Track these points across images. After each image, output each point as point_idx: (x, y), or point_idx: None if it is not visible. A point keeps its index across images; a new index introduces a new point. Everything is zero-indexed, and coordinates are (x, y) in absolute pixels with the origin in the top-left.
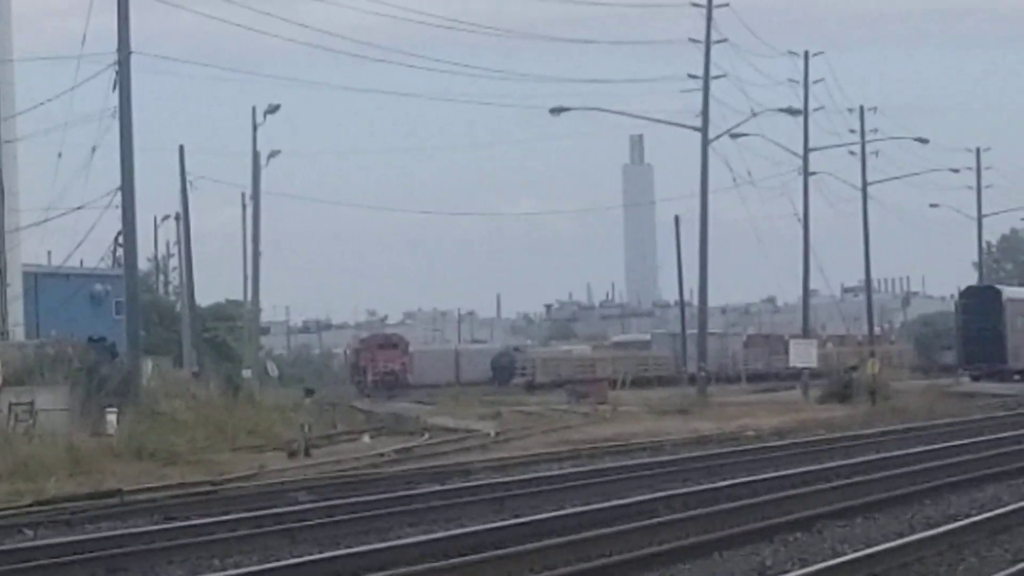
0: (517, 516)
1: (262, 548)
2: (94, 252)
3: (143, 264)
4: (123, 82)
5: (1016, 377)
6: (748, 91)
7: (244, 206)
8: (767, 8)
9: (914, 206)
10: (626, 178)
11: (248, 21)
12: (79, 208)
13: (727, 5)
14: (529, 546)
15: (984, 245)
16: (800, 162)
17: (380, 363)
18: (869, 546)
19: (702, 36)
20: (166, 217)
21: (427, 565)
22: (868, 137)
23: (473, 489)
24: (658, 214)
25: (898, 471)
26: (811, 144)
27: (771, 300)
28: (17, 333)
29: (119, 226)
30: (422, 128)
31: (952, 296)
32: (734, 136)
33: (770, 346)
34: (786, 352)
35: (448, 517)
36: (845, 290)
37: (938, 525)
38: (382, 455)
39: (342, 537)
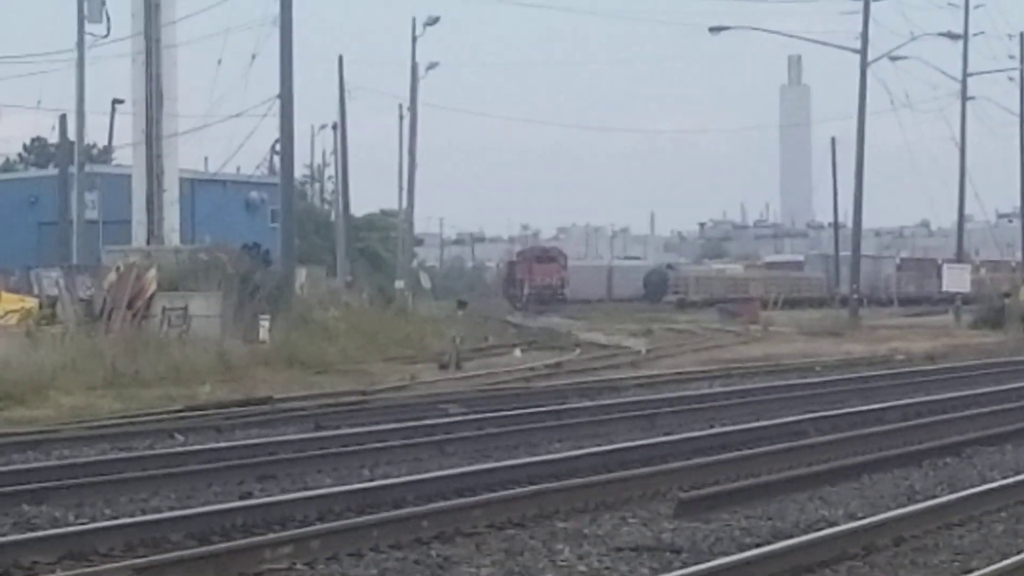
0: (667, 433)
1: (411, 459)
2: (251, 159)
3: (299, 173)
4: None
5: None
6: (908, 14)
7: (401, 117)
8: None
9: None
10: (783, 98)
11: None
12: (237, 115)
13: None
14: (678, 464)
15: None
16: (958, 87)
17: (537, 276)
18: (1019, 473)
19: None
20: (323, 126)
21: (576, 480)
22: None
23: (623, 406)
24: (814, 135)
25: None
26: (970, 69)
27: (925, 224)
28: (172, 239)
29: (276, 134)
30: (578, 43)
31: None
32: (893, 59)
33: (923, 270)
34: (939, 276)
35: (597, 433)
36: (1000, 216)
37: None
38: (533, 369)
39: (491, 450)
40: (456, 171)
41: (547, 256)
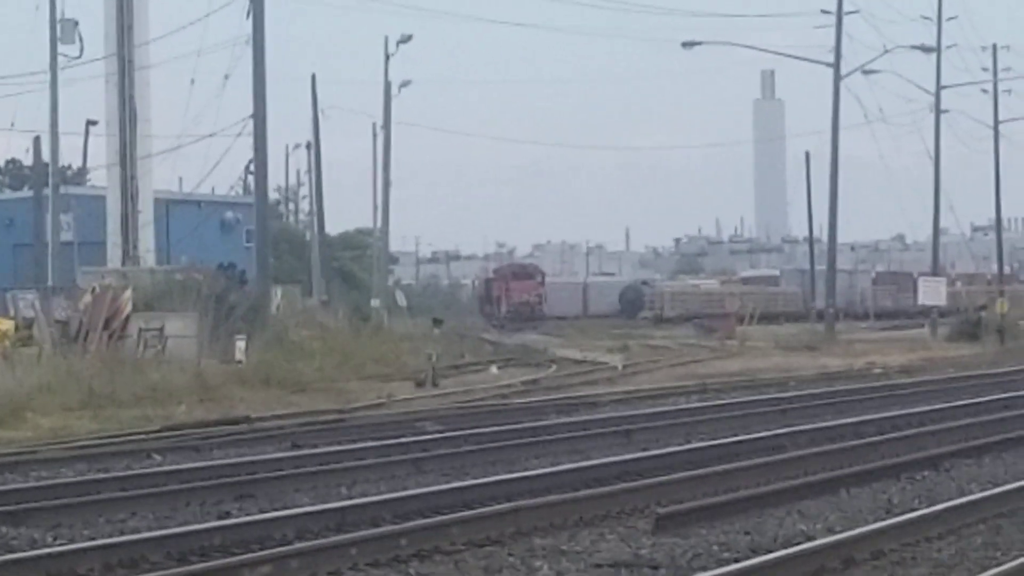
0: (644, 449)
1: (389, 477)
2: (225, 179)
3: (273, 193)
4: (256, 10)
5: None
6: (881, 27)
7: (375, 136)
8: None
9: None
10: (757, 113)
11: None
12: (211, 136)
13: None
14: (656, 479)
15: None
16: (932, 100)
17: (515, 293)
18: (997, 485)
19: None
20: (297, 146)
21: (554, 497)
22: (1001, 76)
23: (600, 422)
24: (788, 150)
25: None
26: (943, 82)
27: (900, 238)
28: (147, 259)
29: (250, 154)
30: (553, 60)
31: None
32: (866, 72)
33: (898, 284)
34: (915, 290)
35: (575, 449)
36: (975, 229)
37: None
38: (509, 386)
39: (469, 467)
40: (431, 189)
41: (524, 273)
